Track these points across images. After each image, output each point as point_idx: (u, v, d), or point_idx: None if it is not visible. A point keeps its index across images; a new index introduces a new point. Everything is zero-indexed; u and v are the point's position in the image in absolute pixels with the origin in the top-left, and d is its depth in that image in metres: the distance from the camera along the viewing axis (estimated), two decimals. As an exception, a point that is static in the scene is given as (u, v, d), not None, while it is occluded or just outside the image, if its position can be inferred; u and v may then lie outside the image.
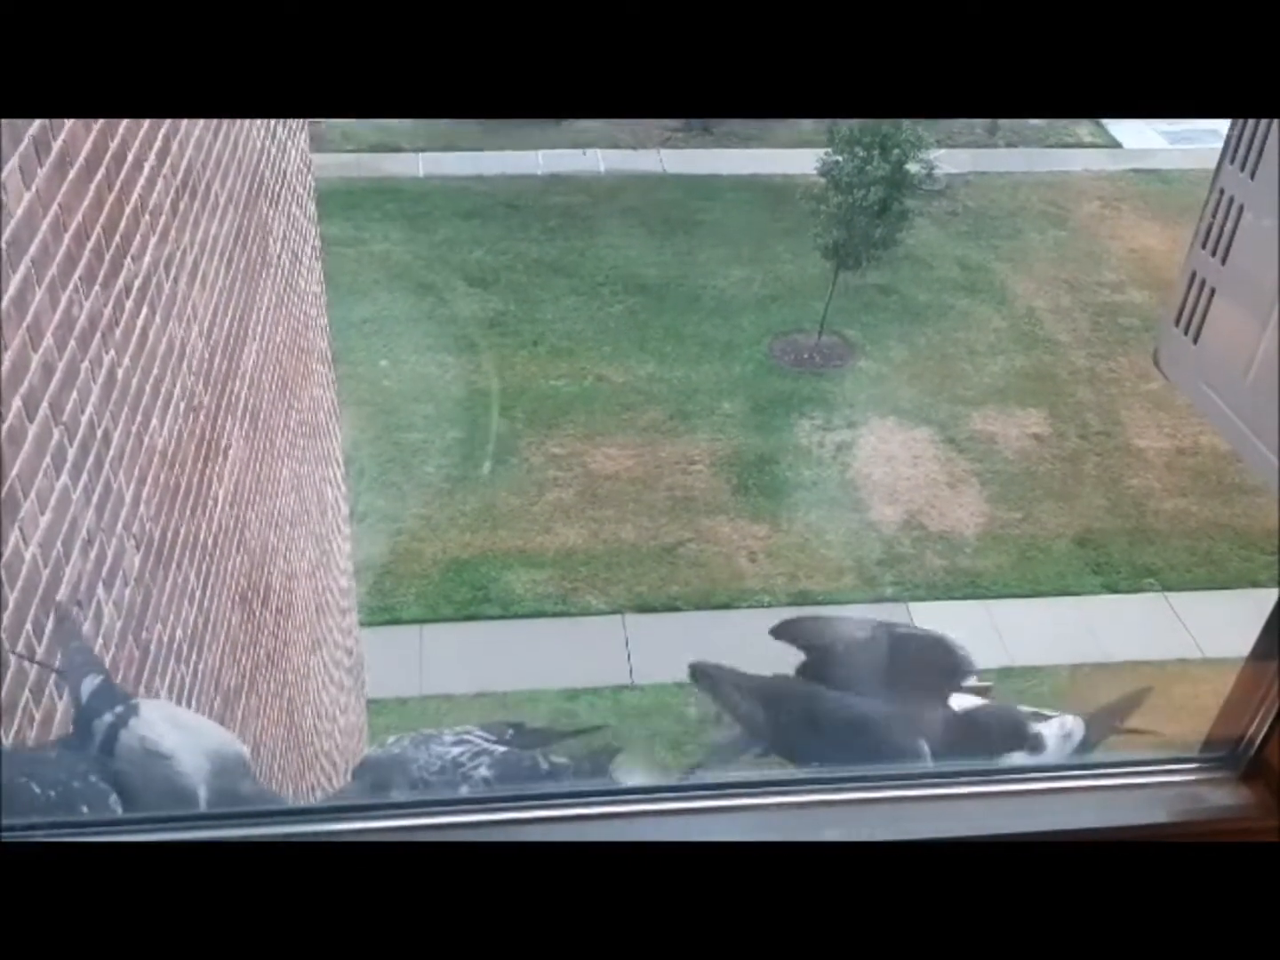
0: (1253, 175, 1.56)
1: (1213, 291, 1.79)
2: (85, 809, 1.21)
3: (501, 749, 1.40)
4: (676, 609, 9.97)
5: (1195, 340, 1.79)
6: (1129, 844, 0.98)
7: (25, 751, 1.59)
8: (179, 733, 1.45)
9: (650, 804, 0.94)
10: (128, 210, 2.89)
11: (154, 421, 3.06)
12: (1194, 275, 1.80)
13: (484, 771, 1.36)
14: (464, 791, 1.33)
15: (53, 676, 2.24)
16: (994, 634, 9.73)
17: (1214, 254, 1.76)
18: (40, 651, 2.27)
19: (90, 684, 1.48)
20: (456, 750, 1.38)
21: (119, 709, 1.41)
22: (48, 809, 1.19)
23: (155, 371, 3.07)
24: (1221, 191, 1.69)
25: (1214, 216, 1.68)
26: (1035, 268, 13.64)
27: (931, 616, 9.87)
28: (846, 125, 11.35)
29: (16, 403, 2.21)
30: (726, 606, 9.95)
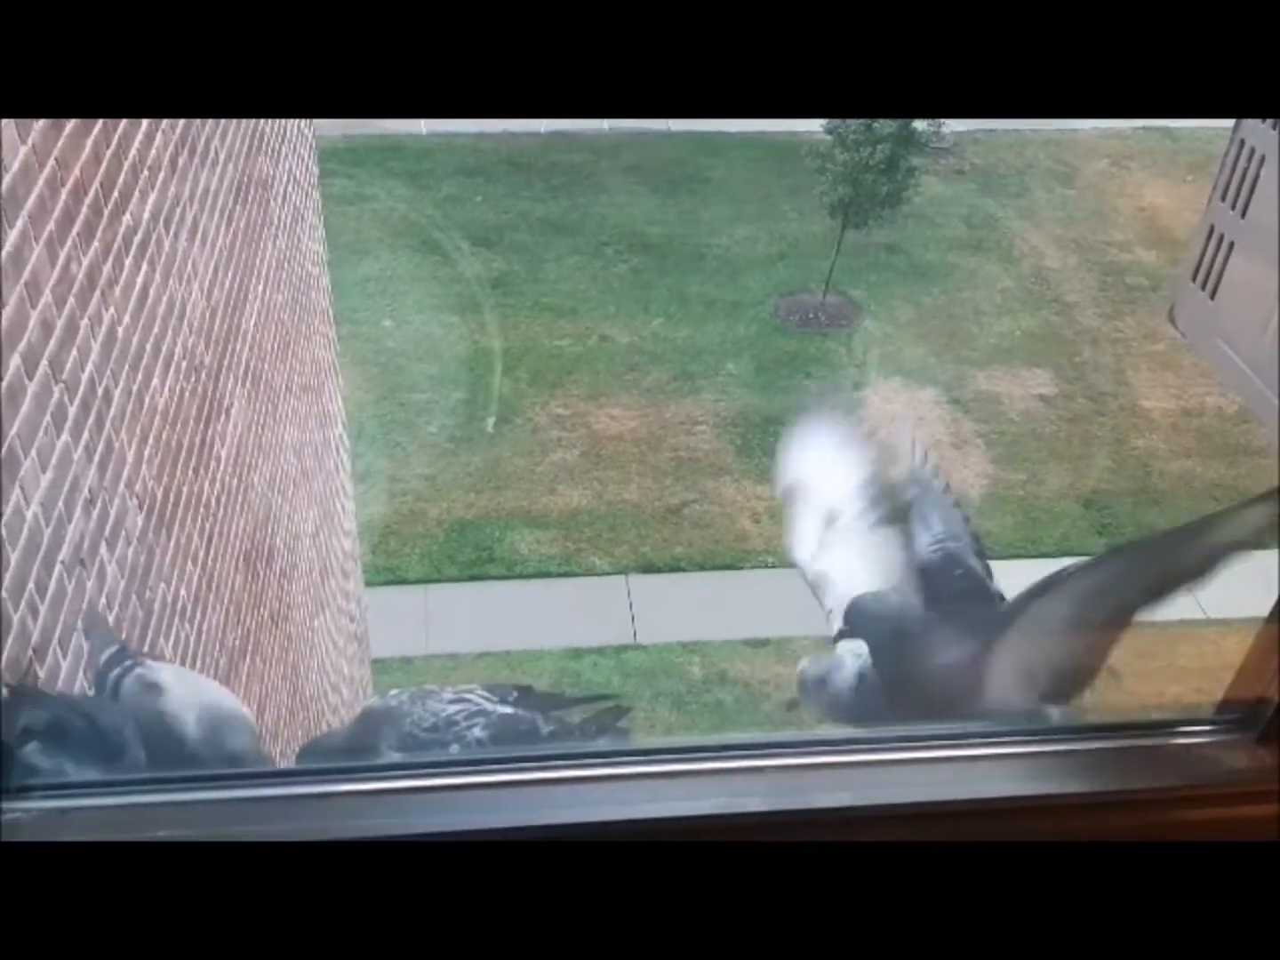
0: (1274, 125, 1.52)
1: (1231, 246, 1.75)
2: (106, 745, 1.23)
3: (502, 710, 1.38)
4: (680, 569, 9.98)
5: (1212, 296, 1.75)
6: (1143, 805, 0.97)
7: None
8: (177, 677, 1.50)
9: (626, 769, 0.92)
10: (126, 165, 2.86)
11: (155, 380, 3.04)
12: (1212, 229, 1.76)
13: (478, 732, 1.35)
14: (454, 750, 1.32)
15: (55, 636, 2.24)
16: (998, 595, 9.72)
17: (1233, 207, 1.72)
18: (43, 610, 2.27)
19: (108, 651, 1.54)
20: (453, 708, 1.36)
21: (127, 663, 1.47)
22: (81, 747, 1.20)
23: (156, 330, 3.04)
24: (1242, 143, 1.64)
25: (1234, 168, 1.64)
26: (1043, 226, 13.53)
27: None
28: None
29: (15, 360, 2.19)
30: (730, 567, 9.96)
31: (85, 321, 2.56)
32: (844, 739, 0.91)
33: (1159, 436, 11.38)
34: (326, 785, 0.90)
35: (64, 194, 2.45)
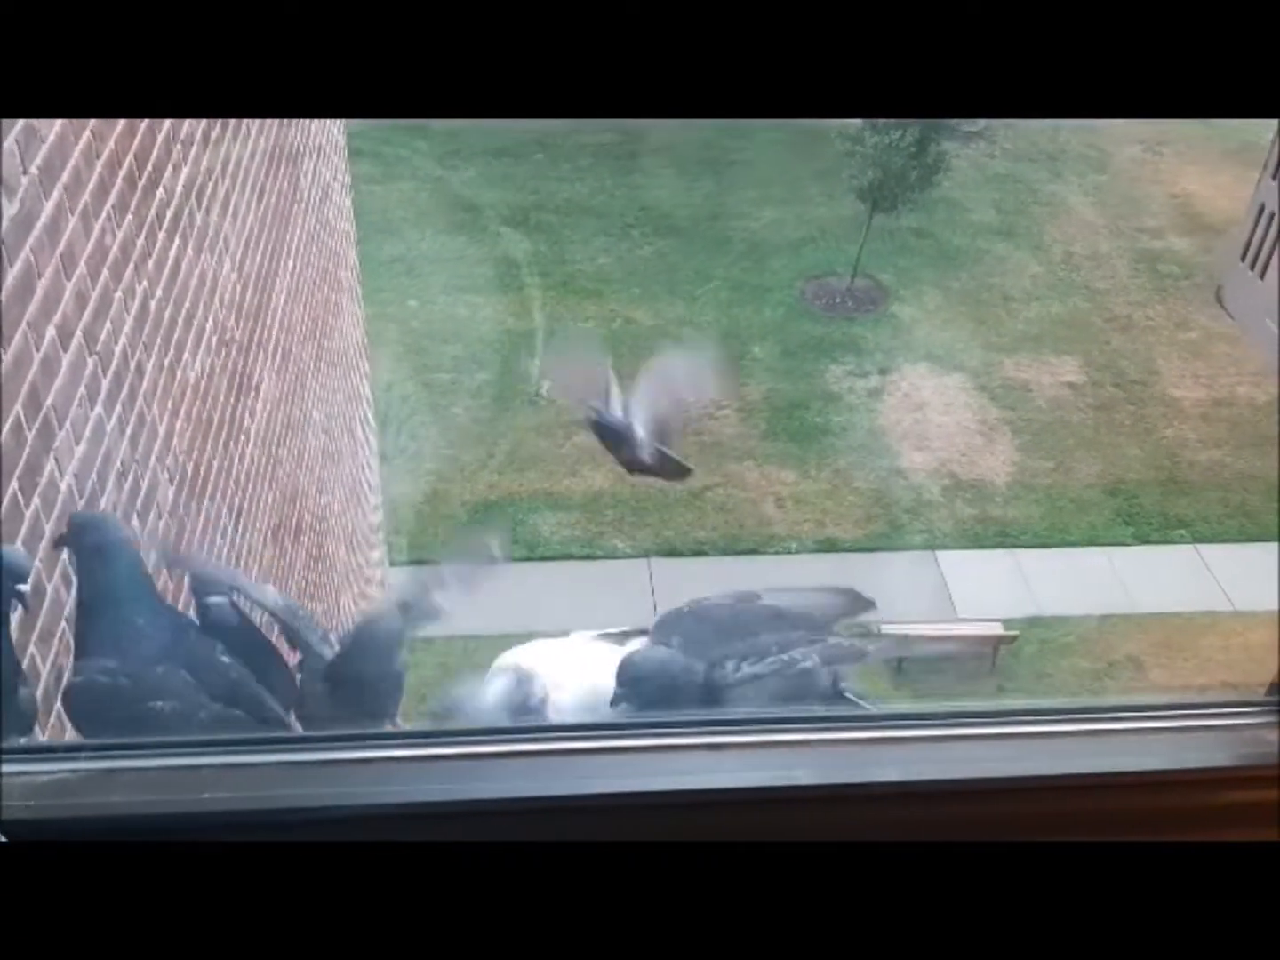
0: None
1: (1283, 225, 1.72)
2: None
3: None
4: (702, 554, 9.97)
5: (1262, 275, 1.72)
6: (1194, 784, 0.96)
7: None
8: None
9: (658, 740, 0.91)
10: (159, 138, 2.86)
11: (186, 355, 3.04)
12: (1262, 208, 1.73)
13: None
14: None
15: None
16: (1022, 583, 9.69)
17: (1284, 185, 1.68)
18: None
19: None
20: None
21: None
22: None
23: (187, 304, 3.05)
24: (1295, 119, 1.61)
25: (1286, 146, 1.61)
26: (1073, 212, 13.40)
27: (960, 565, 9.83)
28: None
29: (50, 331, 2.20)
30: (753, 552, 9.95)
31: (119, 294, 2.56)
32: (894, 715, 0.90)
33: (1188, 426, 11.27)
34: (370, 751, 0.90)
35: (99, 166, 2.45)
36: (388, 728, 1.43)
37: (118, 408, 2.55)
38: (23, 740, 1.29)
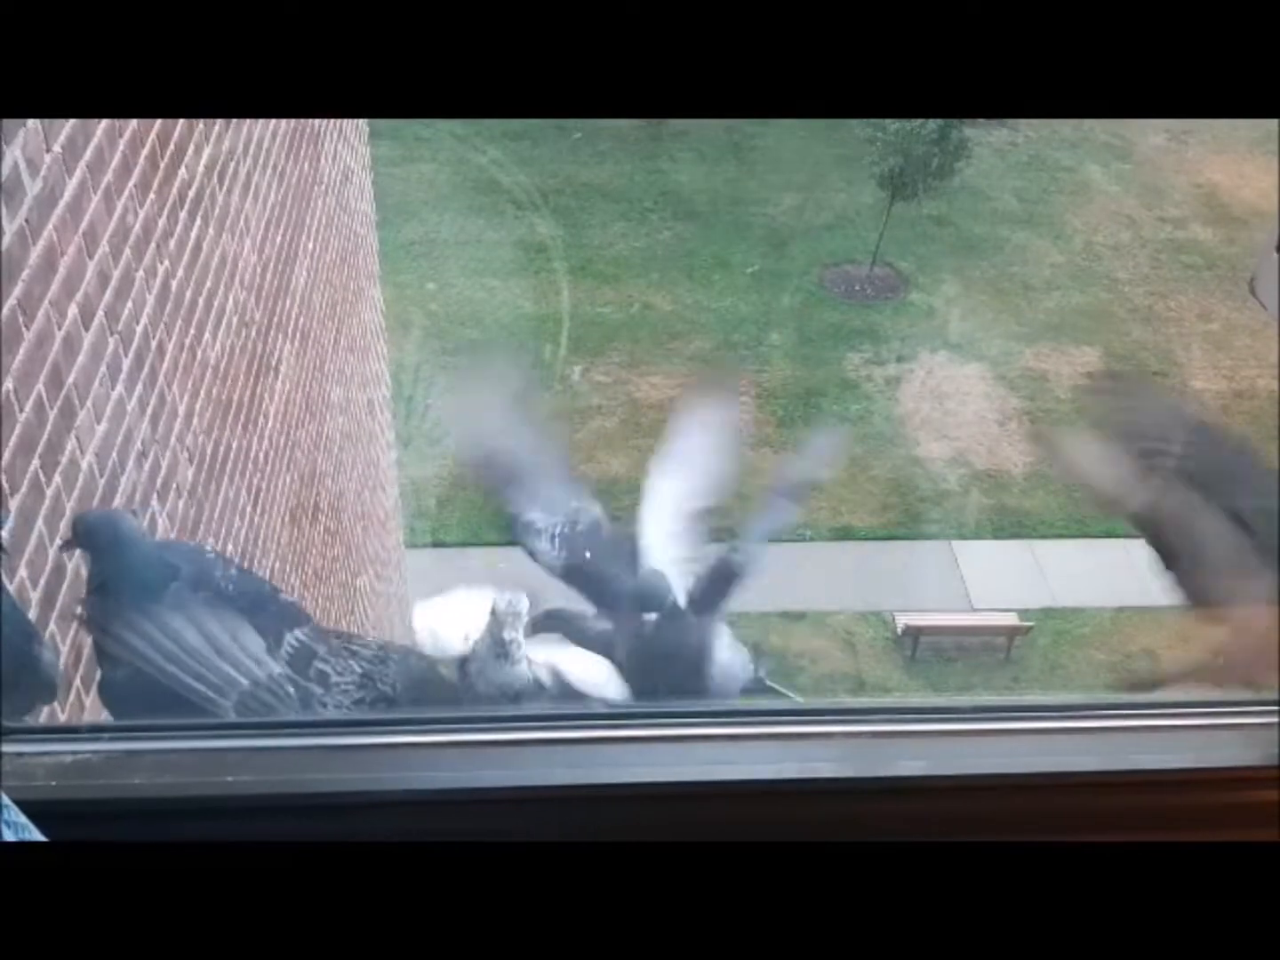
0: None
1: (1318, 215, 1.69)
2: None
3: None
4: (718, 540, 9.96)
5: (1296, 267, 1.70)
6: (1218, 784, 0.95)
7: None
8: None
9: (669, 730, 0.91)
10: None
11: (207, 335, 3.05)
12: (1297, 198, 1.71)
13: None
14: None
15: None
16: (1038, 574, 9.66)
17: (1321, 174, 1.66)
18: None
19: None
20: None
21: None
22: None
23: (208, 284, 3.05)
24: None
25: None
26: (1095, 201, 13.29)
27: (975, 555, 9.81)
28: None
29: (73, 310, 2.20)
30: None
31: (140, 274, 2.56)
32: (921, 708, 0.90)
33: (1209, 418, 11.19)
34: (390, 736, 0.90)
35: (122, 144, 2.45)
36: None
37: (138, 387, 2.55)
38: (45, 709, 1.29)
